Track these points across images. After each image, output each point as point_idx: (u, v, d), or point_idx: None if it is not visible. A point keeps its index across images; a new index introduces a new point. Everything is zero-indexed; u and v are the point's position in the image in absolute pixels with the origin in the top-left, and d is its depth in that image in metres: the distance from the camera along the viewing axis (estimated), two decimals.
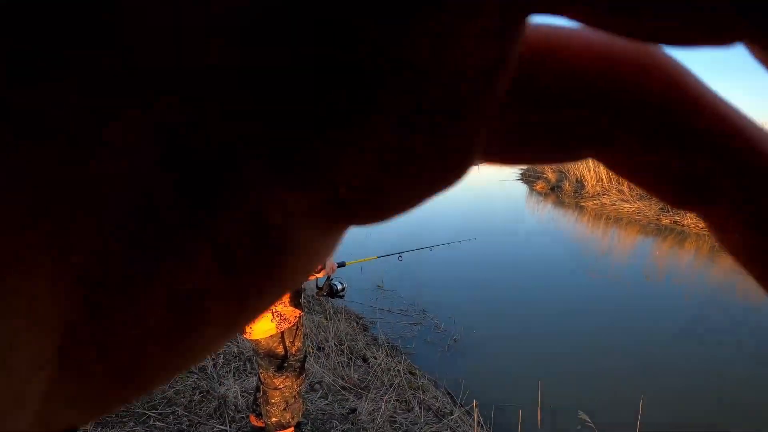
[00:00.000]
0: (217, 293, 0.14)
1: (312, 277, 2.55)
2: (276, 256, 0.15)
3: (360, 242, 12.33)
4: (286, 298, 2.40)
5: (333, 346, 5.10)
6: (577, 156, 0.17)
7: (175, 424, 3.37)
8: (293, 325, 2.47)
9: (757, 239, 0.16)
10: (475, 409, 4.00)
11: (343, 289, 2.83)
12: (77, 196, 0.11)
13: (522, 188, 26.32)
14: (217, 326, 0.15)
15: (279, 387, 2.54)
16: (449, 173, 0.15)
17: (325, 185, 0.14)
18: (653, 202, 15.82)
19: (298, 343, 2.55)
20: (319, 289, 2.81)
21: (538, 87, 0.15)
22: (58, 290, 0.11)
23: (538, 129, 0.16)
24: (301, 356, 2.60)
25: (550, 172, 24.85)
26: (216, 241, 0.13)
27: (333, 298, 2.88)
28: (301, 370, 2.61)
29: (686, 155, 0.16)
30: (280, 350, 2.47)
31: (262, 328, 2.38)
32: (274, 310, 2.36)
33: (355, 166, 0.14)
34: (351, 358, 4.96)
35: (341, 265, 2.89)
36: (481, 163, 0.16)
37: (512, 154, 0.17)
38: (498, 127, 0.15)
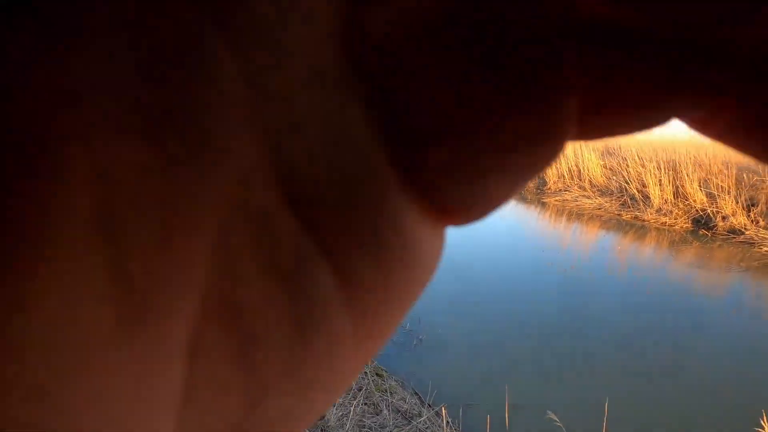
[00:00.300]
0: (337, 307, 0.14)
1: None
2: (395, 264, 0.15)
3: None
4: None
5: None
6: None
7: None
8: None
9: None
10: (444, 411, 4.00)
11: None
12: None
13: None
14: (342, 352, 0.15)
15: None
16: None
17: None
18: (614, 197, 16.06)
19: None
20: None
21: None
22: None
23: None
24: None
25: None
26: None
27: None
28: None
29: None
30: None
31: None
32: None
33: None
34: None
35: None
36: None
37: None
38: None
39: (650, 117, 0.15)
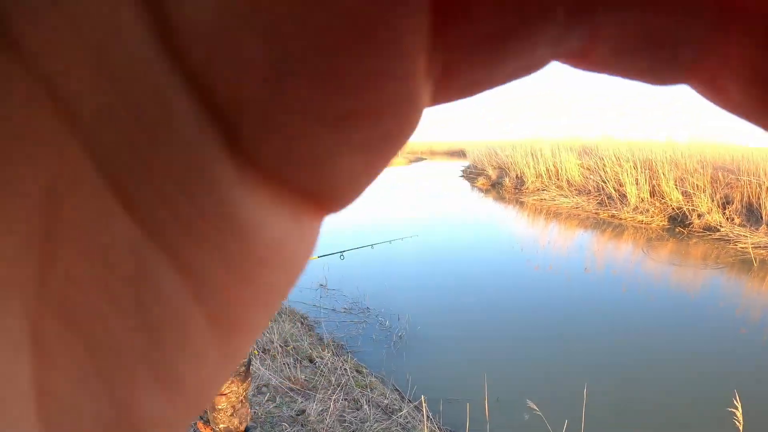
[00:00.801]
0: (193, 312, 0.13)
1: None
2: (250, 257, 0.14)
3: None
4: None
5: (278, 347, 5.05)
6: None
7: None
8: None
9: None
10: (424, 404, 4.01)
11: None
12: None
13: (464, 185, 26.61)
14: (204, 351, 0.14)
15: (224, 392, 2.49)
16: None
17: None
18: (592, 196, 16.23)
19: None
20: None
21: None
22: None
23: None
24: (245, 360, 2.55)
25: (490, 168, 25.22)
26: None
27: None
28: (246, 374, 2.56)
29: None
30: None
31: None
32: None
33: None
34: (297, 359, 4.92)
35: None
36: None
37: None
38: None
39: (519, 52, 0.14)
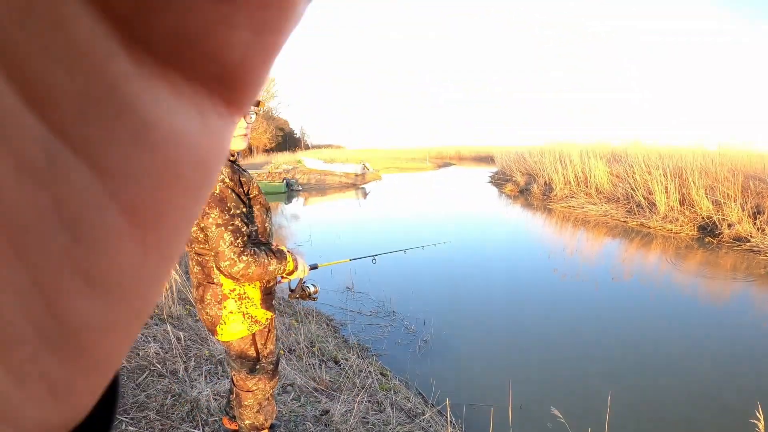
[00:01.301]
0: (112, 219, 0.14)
1: (284, 279, 2.56)
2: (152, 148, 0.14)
3: (332, 245, 12.36)
4: (257, 300, 2.40)
5: (304, 348, 5.10)
6: None
7: (147, 429, 3.34)
8: (265, 328, 2.47)
9: None
10: (448, 409, 4.03)
11: (316, 291, 2.83)
12: None
13: (491, 191, 26.51)
14: (122, 254, 0.15)
15: (252, 389, 2.54)
16: None
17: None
18: (621, 204, 16.08)
19: (270, 346, 2.54)
20: (292, 291, 2.80)
21: None
22: None
23: None
24: (274, 359, 2.59)
25: (519, 175, 25.11)
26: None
27: (306, 300, 2.87)
28: (274, 372, 2.61)
29: None
30: (252, 352, 2.47)
31: (233, 330, 2.37)
32: (245, 312, 2.36)
33: None
34: (322, 360, 4.96)
35: (314, 267, 2.89)
36: None
37: None
38: None
39: None
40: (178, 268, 6.77)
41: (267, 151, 58.16)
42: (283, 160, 40.93)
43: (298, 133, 79.74)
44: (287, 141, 65.76)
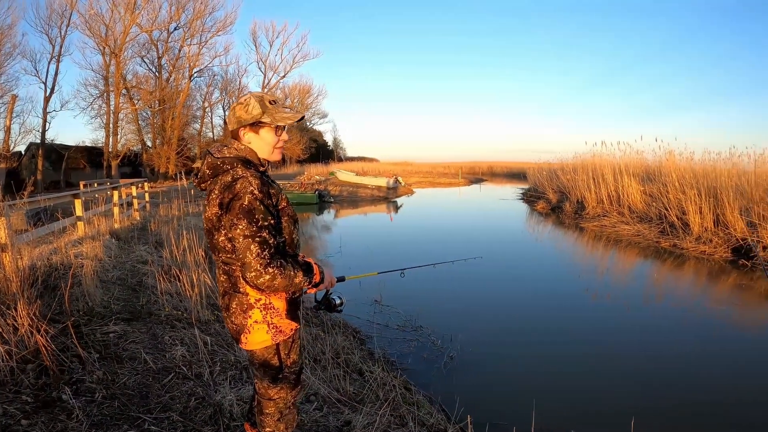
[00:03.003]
0: None
1: (311, 291, 2.58)
2: None
3: (362, 257, 12.40)
4: (283, 310, 2.43)
5: (329, 358, 5.12)
6: None
7: (169, 430, 3.38)
8: (289, 338, 2.49)
9: None
10: (470, 426, 4.01)
11: (341, 304, 2.84)
12: None
13: (523, 208, 26.36)
14: None
15: (273, 398, 2.55)
16: None
17: None
18: (653, 224, 15.85)
19: (293, 356, 2.56)
20: (318, 302, 2.83)
21: None
22: None
23: None
24: (297, 368, 2.61)
25: (551, 192, 24.93)
26: None
27: (331, 312, 2.88)
28: (296, 381, 2.63)
29: None
30: (275, 362, 2.49)
31: (258, 339, 2.39)
32: (270, 322, 2.39)
33: None
34: (347, 371, 4.97)
35: (341, 279, 2.91)
36: None
37: None
38: None
39: None
40: (208, 273, 6.86)
41: (300, 161, 58.61)
42: (316, 171, 41.30)
43: (331, 145, 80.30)
44: (320, 152, 66.19)
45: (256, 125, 2.35)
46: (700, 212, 14.19)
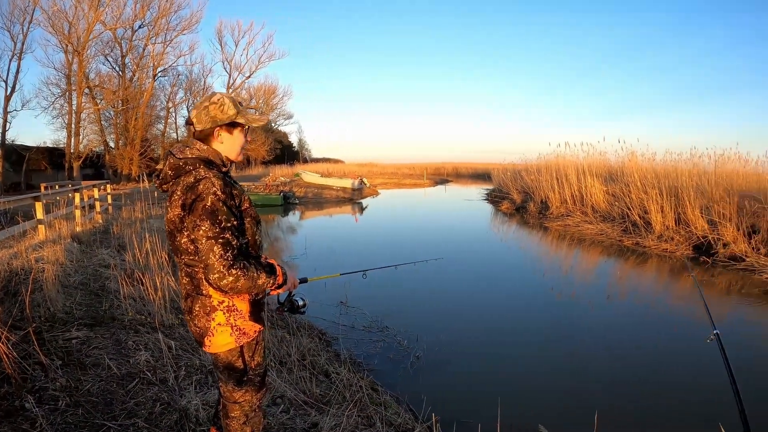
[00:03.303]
0: None
1: (274, 293, 2.57)
2: None
3: (327, 258, 12.37)
4: (246, 312, 2.41)
5: (295, 360, 5.10)
6: None
7: None
8: (253, 340, 2.47)
9: None
10: (437, 425, 4.03)
11: (304, 305, 2.83)
12: None
13: (488, 208, 26.56)
14: None
15: (239, 401, 2.53)
16: None
17: None
18: (616, 223, 16.11)
19: (258, 358, 2.54)
20: (281, 304, 2.81)
21: None
22: None
23: None
24: (261, 371, 2.60)
25: (515, 192, 25.18)
26: None
27: (294, 314, 2.87)
28: (261, 384, 2.61)
29: None
30: (240, 364, 2.47)
31: (221, 342, 2.37)
32: (233, 324, 2.37)
33: None
34: (313, 373, 4.96)
35: (303, 281, 2.89)
36: None
37: None
38: None
39: None
40: (171, 276, 6.78)
41: (265, 163, 58.22)
42: (281, 172, 41.10)
43: (296, 146, 79.95)
44: (286, 153, 65.86)
45: (231, 125, 2.34)
46: (662, 211, 14.48)
